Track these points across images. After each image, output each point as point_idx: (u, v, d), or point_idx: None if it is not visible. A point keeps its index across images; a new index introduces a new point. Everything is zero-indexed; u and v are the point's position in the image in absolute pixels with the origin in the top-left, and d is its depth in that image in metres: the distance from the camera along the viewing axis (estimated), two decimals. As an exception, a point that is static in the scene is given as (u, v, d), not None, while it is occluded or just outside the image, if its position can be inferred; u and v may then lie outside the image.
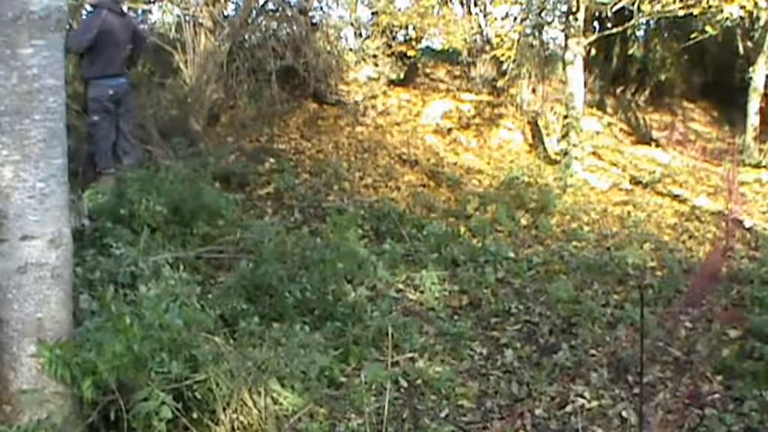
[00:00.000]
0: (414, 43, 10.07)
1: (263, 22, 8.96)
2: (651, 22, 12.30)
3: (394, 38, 9.94)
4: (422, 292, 4.93)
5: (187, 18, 7.92)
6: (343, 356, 3.80)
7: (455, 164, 8.64)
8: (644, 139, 10.99)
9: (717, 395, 3.58)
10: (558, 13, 9.25)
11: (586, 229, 6.84)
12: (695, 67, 13.35)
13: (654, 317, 4.53)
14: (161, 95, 7.88)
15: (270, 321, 3.89)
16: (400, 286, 5.00)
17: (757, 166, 9.66)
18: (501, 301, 4.86)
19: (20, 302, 2.64)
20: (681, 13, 8.30)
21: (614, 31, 9.77)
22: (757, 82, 10.40)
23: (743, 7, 7.95)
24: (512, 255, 5.78)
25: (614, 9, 8.80)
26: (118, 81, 5.69)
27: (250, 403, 2.97)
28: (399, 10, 9.55)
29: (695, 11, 8.15)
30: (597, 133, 10.63)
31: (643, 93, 12.78)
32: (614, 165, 9.40)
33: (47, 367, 2.66)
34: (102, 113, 5.61)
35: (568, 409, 3.50)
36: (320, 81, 9.02)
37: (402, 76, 10.27)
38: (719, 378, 3.75)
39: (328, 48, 9.26)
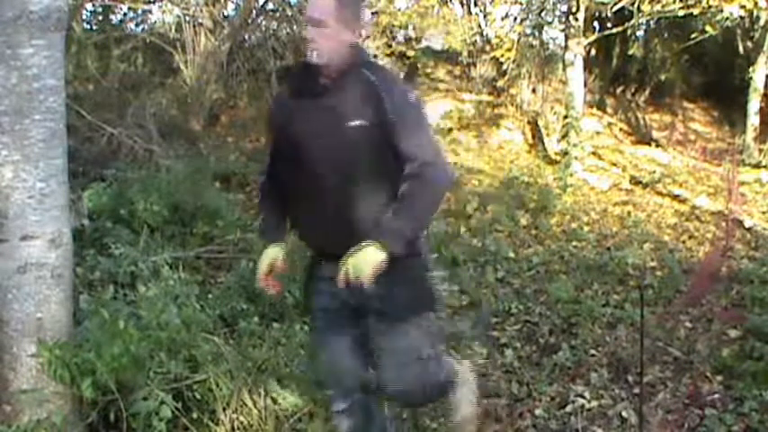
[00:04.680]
0: (414, 43, 10.07)
1: (263, 22, 8.97)
2: (651, 22, 12.29)
3: (394, 38, 9.94)
4: (422, 292, 4.91)
5: (187, 18, 7.93)
6: (343, 356, 3.78)
7: (455, 164, 8.63)
8: (644, 139, 10.99)
9: (717, 395, 3.58)
10: (558, 13, 9.26)
11: (586, 229, 6.84)
12: (695, 67, 13.33)
13: (654, 317, 4.53)
14: (161, 95, 7.88)
15: (270, 321, 3.89)
16: (400, 286, 4.99)
17: (757, 166, 9.66)
18: (501, 301, 4.85)
19: (20, 302, 2.63)
20: (681, 13, 8.32)
21: (614, 31, 9.78)
22: (757, 82, 10.40)
23: (743, 7, 7.96)
24: (512, 255, 5.79)
25: (614, 9, 8.80)
26: None
27: (250, 403, 2.97)
28: (399, 10, 9.55)
29: (695, 11, 8.17)
30: (597, 133, 10.63)
31: (643, 93, 12.77)
32: (614, 165, 9.41)
33: (47, 367, 2.65)
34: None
35: (568, 409, 3.49)
36: (320, 81, 9.01)
37: (402, 76, 10.26)
38: (719, 378, 3.74)
39: (328, 48, 9.24)
